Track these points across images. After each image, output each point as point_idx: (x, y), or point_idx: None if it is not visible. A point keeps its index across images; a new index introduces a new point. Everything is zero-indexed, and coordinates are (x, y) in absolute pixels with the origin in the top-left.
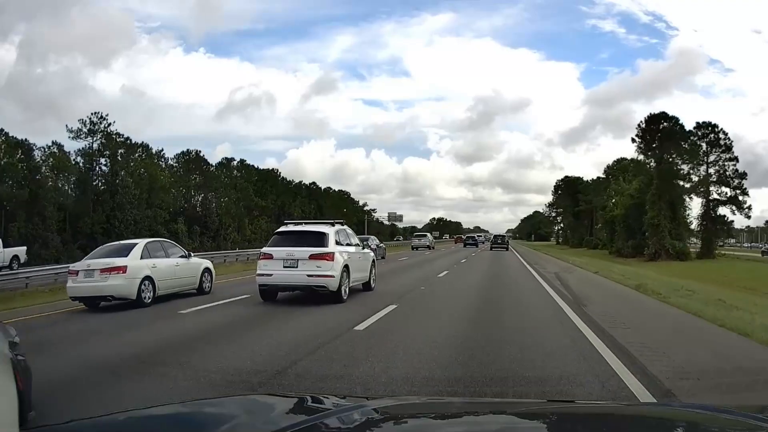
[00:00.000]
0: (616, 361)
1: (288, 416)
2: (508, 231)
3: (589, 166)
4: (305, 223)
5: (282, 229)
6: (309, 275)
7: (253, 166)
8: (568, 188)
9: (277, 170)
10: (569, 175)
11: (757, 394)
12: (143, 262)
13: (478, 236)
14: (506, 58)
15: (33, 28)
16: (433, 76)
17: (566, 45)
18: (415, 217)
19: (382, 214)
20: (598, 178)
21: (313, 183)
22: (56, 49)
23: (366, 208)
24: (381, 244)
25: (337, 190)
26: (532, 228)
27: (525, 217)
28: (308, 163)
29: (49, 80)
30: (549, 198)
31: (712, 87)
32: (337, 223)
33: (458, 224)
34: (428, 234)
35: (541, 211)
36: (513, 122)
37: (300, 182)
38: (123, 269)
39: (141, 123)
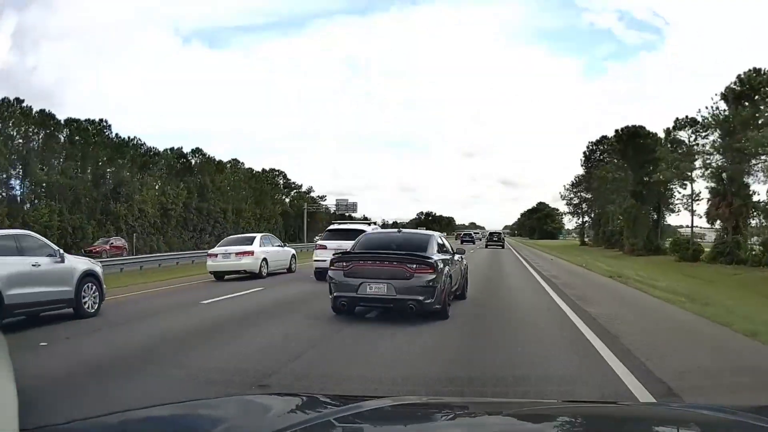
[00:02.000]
0: None
1: (287, 416)
2: (505, 227)
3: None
4: (348, 223)
5: (332, 227)
6: None
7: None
8: (630, 147)
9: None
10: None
11: (757, 394)
12: (261, 249)
13: (474, 233)
14: (509, 52)
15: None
16: (432, 70)
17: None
18: (401, 213)
19: (332, 203)
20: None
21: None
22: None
23: (313, 194)
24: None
25: (251, 167)
26: (537, 223)
27: (526, 211)
28: (305, 158)
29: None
30: (547, 194)
31: None
32: (372, 223)
33: (450, 219)
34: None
35: (560, 194)
36: (512, 119)
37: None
38: (252, 253)
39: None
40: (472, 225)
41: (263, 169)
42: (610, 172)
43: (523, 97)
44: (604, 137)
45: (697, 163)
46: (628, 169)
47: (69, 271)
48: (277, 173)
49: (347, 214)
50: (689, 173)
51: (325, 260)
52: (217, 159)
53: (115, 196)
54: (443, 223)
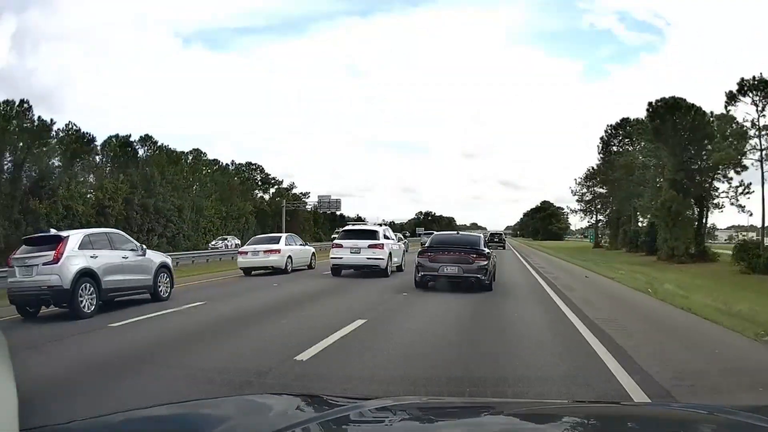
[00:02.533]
0: None
1: (287, 416)
2: (507, 228)
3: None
4: (361, 224)
5: (347, 228)
6: (368, 258)
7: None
8: (668, 124)
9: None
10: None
11: (757, 394)
12: (287, 247)
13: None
14: (508, 53)
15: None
16: (432, 71)
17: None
18: (402, 214)
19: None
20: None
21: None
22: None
23: (295, 191)
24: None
25: (216, 159)
26: (542, 223)
27: (530, 210)
28: (305, 158)
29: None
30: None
31: None
32: (383, 224)
33: (451, 220)
34: (434, 232)
35: (570, 189)
36: (513, 117)
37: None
38: (279, 251)
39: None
40: (474, 226)
41: (233, 162)
42: (643, 156)
43: (523, 98)
44: (625, 120)
45: None
46: (665, 151)
47: (148, 263)
48: (253, 167)
49: (330, 212)
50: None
51: (341, 257)
52: (173, 148)
53: (36, 192)
54: (443, 224)
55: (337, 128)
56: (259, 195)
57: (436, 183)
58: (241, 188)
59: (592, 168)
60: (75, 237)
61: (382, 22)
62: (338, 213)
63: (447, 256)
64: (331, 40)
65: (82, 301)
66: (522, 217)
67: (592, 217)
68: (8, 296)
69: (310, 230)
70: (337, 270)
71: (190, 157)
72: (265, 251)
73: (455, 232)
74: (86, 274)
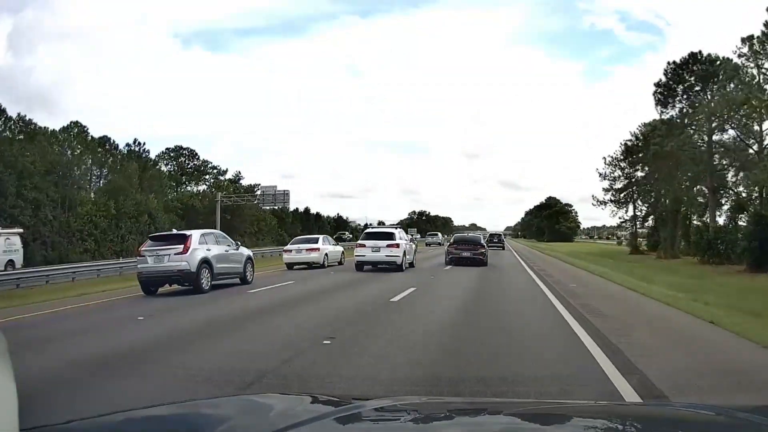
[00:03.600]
0: None
1: (287, 416)
2: (507, 229)
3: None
4: (380, 227)
5: (368, 230)
6: (386, 255)
7: None
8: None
9: None
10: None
11: (757, 395)
12: (324, 246)
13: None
14: (509, 53)
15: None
16: (433, 71)
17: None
18: (402, 215)
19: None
20: None
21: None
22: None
23: (243, 181)
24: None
25: (105, 135)
26: (548, 222)
27: (534, 208)
28: (306, 159)
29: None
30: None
31: None
32: (398, 226)
33: (447, 220)
34: (438, 233)
35: (598, 173)
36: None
37: None
38: (318, 249)
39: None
40: (473, 226)
41: (136, 142)
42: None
43: (524, 98)
44: (694, 54)
45: None
46: None
47: (240, 255)
48: (184, 152)
49: (277, 207)
50: None
51: (364, 255)
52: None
53: None
54: (438, 224)
55: (337, 128)
56: (191, 187)
57: (436, 183)
58: (161, 179)
59: (637, 138)
60: (196, 234)
61: (382, 22)
62: (342, 215)
63: (463, 246)
64: (332, 40)
65: (202, 281)
66: (524, 216)
67: (625, 211)
68: (138, 278)
69: (271, 232)
70: (360, 266)
71: (60, 137)
72: (307, 249)
73: (467, 233)
74: (205, 262)
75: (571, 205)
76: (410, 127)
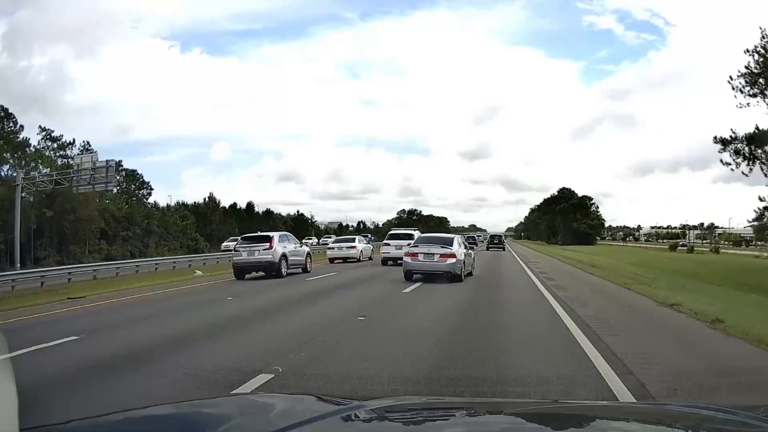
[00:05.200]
0: None
1: (287, 416)
2: (508, 230)
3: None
4: (402, 229)
5: (391, 232)
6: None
7: None
8: None
9: None
10: None
11: (757, 394)
12: (360, 244)
13: (478, 236)
14: (507, 55)
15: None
16: (432, 73)
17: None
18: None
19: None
20: None
21: None
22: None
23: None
24: None
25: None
26: (563, 220)
27: (542, 203)
28: (306, 162)
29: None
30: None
31: None
32: (416, 230)
33: (442, 220)
34: (415, 233)
35: (736, 86)
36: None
37: None
38: (356, 247)
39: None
40: (473, 227)
41: None
42: None
43: (524, 98)
44: None
45: None
46: None
47: (303, 251)
48: None
49: (97, 189)
50: None
51: (389, 252)
52: None
53: None
54: (431, 224)
55: (337, 130)
56: None
57: (437, 184)
58: None
59: None
60: (276, 235)
61: (382, 22)
62: (344, 224)
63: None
64: (332, 40)
65: (282, 269)
66: (529, 213)
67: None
68: (233, 267)
69: (176, 234)
70: (385, 261)
71: None
72: (347, 247)
73: (465, 234)
74: (284, 256)
75: (590, 198)
76: (410, 127)
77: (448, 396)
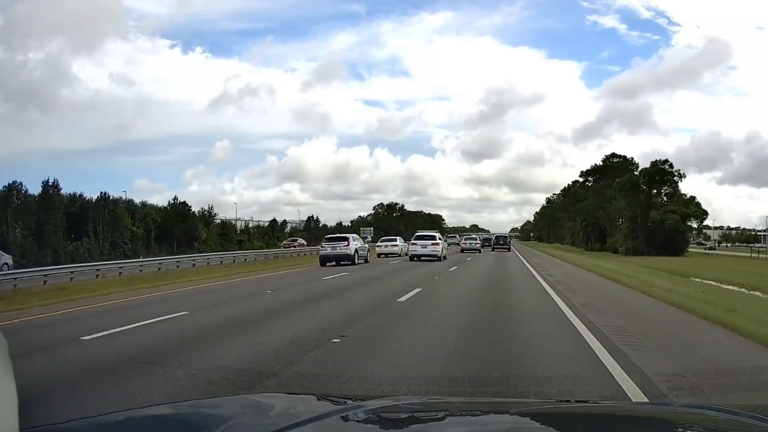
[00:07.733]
0: None
1: (287, 416)
2: (513, 230)
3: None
4: (426, 231)
5: (417, 234)
6: (431, 251)
7: None
8: None
9: None
10: None
11: (757, 394)
12: (400, 242)
13: (482, 237)
14: (508, 55)
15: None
16: (435, 74)
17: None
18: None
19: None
20: None
21: None
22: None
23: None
24: None
25: None
26: (627, 206)
27: (567, 187)
28: (309, 162)
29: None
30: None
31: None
32: (437, 232)
33: (435, 217)
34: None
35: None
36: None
37: None
38: (398, 245)
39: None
40: (474, 227)
41: None
42: None
43: (524, 98)
44: None
45: None
46: None
47: (365, 246)
48: None
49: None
50: None
51: (416, 250)
52: None
53: None
54: (418, 222)
55: (338, 129)
56: None
57: (438, 184)
58: None
59: None
60: (351, 235)
61: (382, 23)
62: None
63: (469, 241)
64: (332, 40)
65: (355, 259)
66: (535, 215)
67: None
68: (320, 257)
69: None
70: (412, 258)
71: None
72: (392, 245)
73: (475, 234)
74: (357, 250)
75: (672, 166)
76: (411, 127)
77: (448, 396)
